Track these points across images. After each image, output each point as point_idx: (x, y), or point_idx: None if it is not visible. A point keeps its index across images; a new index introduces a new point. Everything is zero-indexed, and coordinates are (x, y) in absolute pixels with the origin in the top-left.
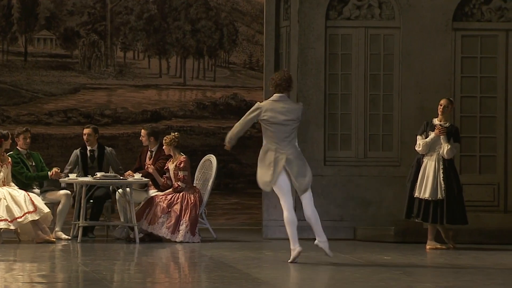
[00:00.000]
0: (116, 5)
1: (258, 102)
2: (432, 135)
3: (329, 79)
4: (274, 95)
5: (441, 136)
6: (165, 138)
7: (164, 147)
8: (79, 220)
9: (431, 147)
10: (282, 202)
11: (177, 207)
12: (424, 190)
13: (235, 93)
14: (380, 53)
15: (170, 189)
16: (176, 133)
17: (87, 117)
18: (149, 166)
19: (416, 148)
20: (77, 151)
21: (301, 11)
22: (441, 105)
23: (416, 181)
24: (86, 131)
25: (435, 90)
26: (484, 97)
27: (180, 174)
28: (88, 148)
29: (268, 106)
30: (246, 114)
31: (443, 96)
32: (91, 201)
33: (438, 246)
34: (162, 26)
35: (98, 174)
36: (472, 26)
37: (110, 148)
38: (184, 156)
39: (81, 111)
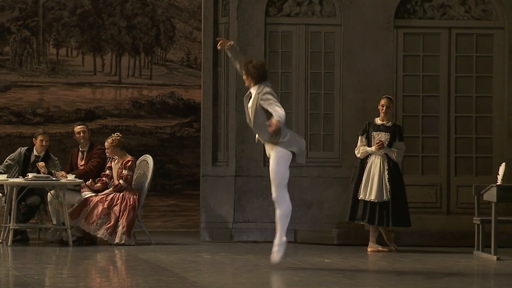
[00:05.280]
0: (49, 0)
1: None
2: (373, 148)
3: (269, 77)
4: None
5: (383, 149)
6: (109, 140)
7: (108, 150)
8: (9, 223)
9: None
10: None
11: (116, 208)
12: (369, 192)
13: (172, 92)
14: (321, 51)
15: (110, 189)
16: (117, 133)
17: (18, 116)
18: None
19: (356, 152)
20: (22, 151)
21: (240, 7)
22: (383, 106)
23: (360, 183)
24: (43, 137)
25: (377, 89)
26: (427, 96)
27: (125, 172)
28: (35, 153)
29: None
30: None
31: (385, 95)
32: (23, 203)
33: (380, 248)
34: (96, 22)
35: (30, 175)
36: (414, 24)
37: (56, 158)
38: (132, 156)
39: (12, 110)
